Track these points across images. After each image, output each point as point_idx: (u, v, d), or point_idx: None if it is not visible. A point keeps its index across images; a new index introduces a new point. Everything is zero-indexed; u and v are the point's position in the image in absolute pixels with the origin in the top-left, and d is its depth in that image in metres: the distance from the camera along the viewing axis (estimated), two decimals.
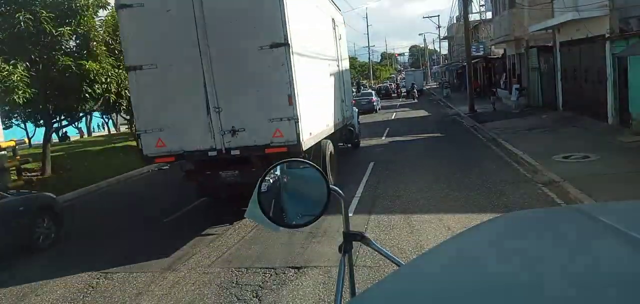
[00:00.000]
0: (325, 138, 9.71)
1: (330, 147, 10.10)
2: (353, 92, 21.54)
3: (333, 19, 12.00)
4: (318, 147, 9.13)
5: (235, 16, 7.30)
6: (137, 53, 7.68)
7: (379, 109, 32.78)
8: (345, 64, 13.93)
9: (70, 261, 6.98)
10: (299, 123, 7.48)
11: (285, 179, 1.68)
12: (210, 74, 7.48)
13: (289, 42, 7.30)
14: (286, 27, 7.23)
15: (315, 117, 8.78)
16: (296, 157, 7.27)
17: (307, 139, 7.92)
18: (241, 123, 7.57)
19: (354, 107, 15.82)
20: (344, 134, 13.54)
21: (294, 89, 7.39)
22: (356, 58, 75.21)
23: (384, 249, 1.62)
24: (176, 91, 7.65)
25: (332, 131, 10.52)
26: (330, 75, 11.04)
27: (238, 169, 8.02)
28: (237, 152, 7.66)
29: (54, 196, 8.79)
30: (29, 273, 6.67)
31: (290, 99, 7.38)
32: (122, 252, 7.20)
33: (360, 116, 17.11)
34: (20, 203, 7.71)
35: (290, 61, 7.33)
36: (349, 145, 15.07)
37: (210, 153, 7.75)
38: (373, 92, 37.74)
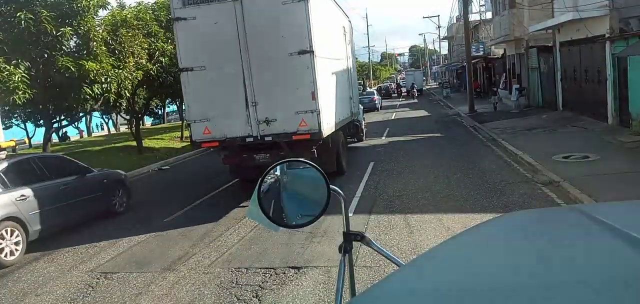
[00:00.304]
0: (339, 129, 11.15)
1: (342, 137, 11.74)
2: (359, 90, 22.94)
3: (343, 27, 13.42)
4: (333, 136, 10.47)
5: (270, 29, 8.77)
6: (189, 57, 9.13)
7: (380, 108, 34.75)
8: (353, 65, 15.49)
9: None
10: (320, 115, 8.95)
11: (285, 179, 1.67)
12: (249, 74, 8.95)
13: (313, 49, 8.72)
14: (311, 37, 8.69)
15: (332, 111, 10.29)
16: (317, 143, 9.45)
17: (326, 128, 9.35)
18: (273, 114, 9.03)
19: (360, 105, 17.13)
20: (352, 128, 14.91)
21: (316, 87, 8.86)
22: (356, 58, 75.23)
23: (384, 249, 1.62)
24: (221, 88, 9.11)
25: (344, 123, 12.14)
26: (342, 75, 12.36)
27: (269, 152, 9.48)
28: (270, 138, 9.15)
29: (124, 173, 10.91)
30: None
31: (313, 95, 8.85)
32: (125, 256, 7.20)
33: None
34: (103, 177, 9.95)
35: (314, 65, 8.77)
36: (355, 139, 16.05)
37: (248, 139, 9.23)
38: (375, 91, 40.48)
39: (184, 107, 25.46)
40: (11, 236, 7.44)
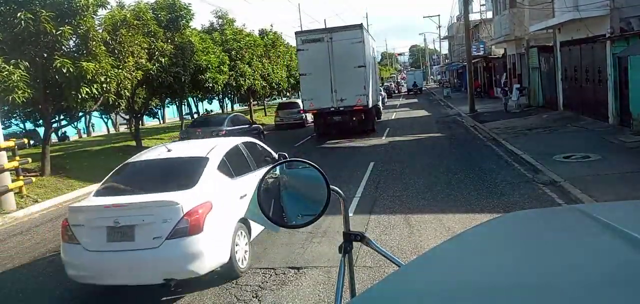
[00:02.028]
0: (373, 107, 20.29)
1: (374, 111, 21.02)
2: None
3: (373, 47, 23.93)
4: (371, 109, 19.58)
5: (345, 55, 17.73)
6: (304, 68, 18.58)
7: (386, 103, 40.88)
8: (377, 70, 26.22)
9: None
10: (368, 96, 18.25)
11: (285, 179, 1.67)
12: (333, 77, 18.01)
13: (364, 65, 18.06)
14: (364, 59, 18.05)
15: (372, 95, 19.56)
16: (366, 112, 18.53)
17: (370, 104, 18.70)
18: (344, 96, 18.00)
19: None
20: (375, 110, 22.53)
21: (367, 82, 18.27)
22: None
23: (384, 250, 1.62)
24: (319, 84, 18.10)
25: (374, 104, 20.99)
26: (374, 76, 21.95)
27: (341, 116, 18.57)
28: (342, 108, 18.24)
29: (262, 128, 20.47)
30: None
31: (365, 87, 18.10)
32: None
33: None
34: (257, 126, 19.79)
35: (366, 72, 18.18)
36: (377, 118, 23.22)
37: (331, 109, 18.39)
38: (382, 89, 45.73)
39: (184, 109, 26.01)
40: None
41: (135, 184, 5.49)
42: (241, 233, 5.70)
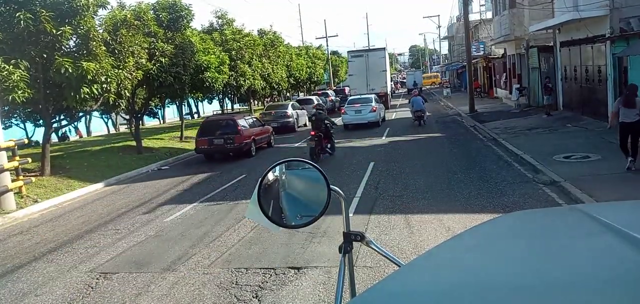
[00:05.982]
0: (388, 93, 34.29)
1: (389, 96, 35.20)
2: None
3: (388, 58, 37.52)
4: (388, 94, 33.86)
5: (376, 63, 32.30)
6: (352, 71, 33.34)
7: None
8: (389, 70, 38.32)
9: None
10: (387, 87, 33.27)
11: (285, 179, 1.66)
12: (368, 77, 31.96)
13: (385, 70, 33.27)
14: (386, 65, 33.59)
15: (388, 86, 34.85)
16: (385, 96, 32.09)
17: (387, 91, 33.66)
18: (373, 87, 30.71)
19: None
20: (389, 96, 35.65)
21: (386, 79, 33.61)
22: None
23: (384, 250, 1.62)
24: (360, 80, 32.04)
25: (389, 93, 35.54)
26: (389, 76, 37.06)
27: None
28: (373, 93, 27.31)
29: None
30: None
31: (385, 82, 32.90)
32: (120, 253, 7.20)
33: None
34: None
35: (386, 74, 33.37)
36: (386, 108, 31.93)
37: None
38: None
39: (184, 108, 26.11)
40: (298, 118, 25.40)
41: (358, 102, 22.79)
42: (381, 114, 23.47)
